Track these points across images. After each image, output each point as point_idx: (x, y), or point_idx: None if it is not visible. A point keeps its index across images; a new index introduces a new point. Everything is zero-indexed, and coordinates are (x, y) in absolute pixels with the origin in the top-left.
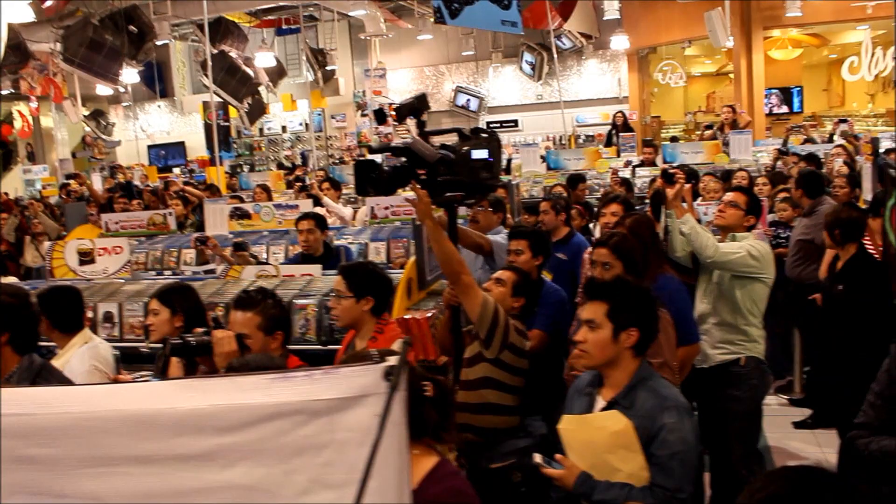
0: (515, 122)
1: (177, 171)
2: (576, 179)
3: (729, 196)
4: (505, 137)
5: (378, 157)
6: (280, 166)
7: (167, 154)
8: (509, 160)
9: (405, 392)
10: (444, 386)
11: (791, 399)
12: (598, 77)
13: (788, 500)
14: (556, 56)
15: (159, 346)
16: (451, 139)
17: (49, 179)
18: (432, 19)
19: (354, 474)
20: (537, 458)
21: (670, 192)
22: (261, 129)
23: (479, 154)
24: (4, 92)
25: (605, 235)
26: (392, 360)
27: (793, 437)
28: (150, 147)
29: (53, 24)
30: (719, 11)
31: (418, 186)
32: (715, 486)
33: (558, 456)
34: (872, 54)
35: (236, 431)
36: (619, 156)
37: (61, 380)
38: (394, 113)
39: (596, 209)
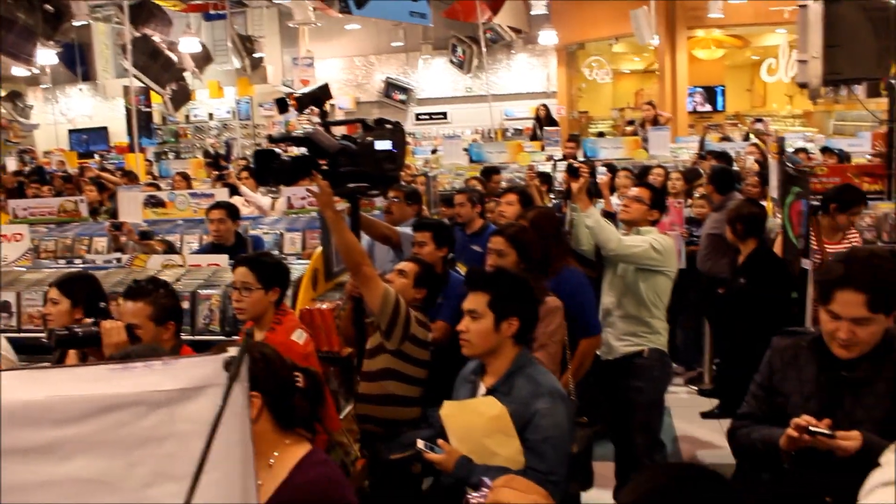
0: (444, 114)
1: (98, 156)
2: (489, 171)
3: (634, 191)
4: (434, 129)
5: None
6: (206, 154)
7: (89, 139)
8: (434, 150)
9: (246, 383)
10: (315, 377)
11: (700, 390)
12: (528, 71)
13: (667, 494)
14: (484, 49)
15: None
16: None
17: None
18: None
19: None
20: (420, 443)
21: (575, 186)
22: (187, 116)
23: (383, 145)
24: None
25: (503, 225)
26: (232, 351)
27: (701, 426)
28: (71, 132)
29: None
30: (645, 10)
31: (319, 177)
32: (620, 475)
33: (440, 441)
34: (789, 57)
35: (75, 423)
36: (543, 150)
37: None
38: (294, 102)
39: None
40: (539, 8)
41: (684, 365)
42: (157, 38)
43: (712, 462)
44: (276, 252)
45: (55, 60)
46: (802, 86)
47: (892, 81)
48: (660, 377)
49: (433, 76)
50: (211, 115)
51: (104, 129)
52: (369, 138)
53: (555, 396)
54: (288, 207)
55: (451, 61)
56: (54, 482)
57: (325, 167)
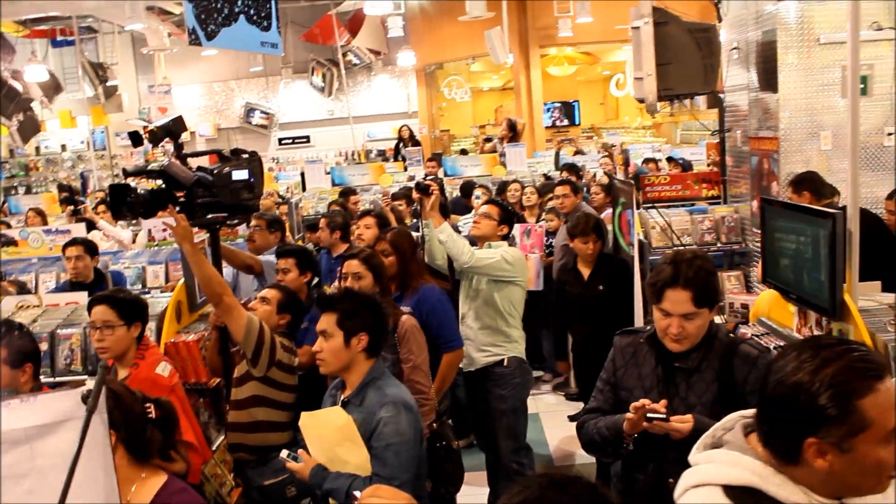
0: (307, 137)
1: None
2: (347, 193)
3: (483, 209)
4: (297, 153)
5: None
6: (60, 188)
7: None
8: (303, 174)
9: (105, 414)
10: (167, 406)
11: (567, 394)
12: (388, 92)
13: (537, 502)
14: (344, 72)
15: None
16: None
17: None
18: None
19: (58, 498)
20: (283, 454)
21: (426, 202)
22: (37, 148)
23: (240, 175)
24: None
25: (355, 249)
26: (89, 384)
27: (570, 430)
28: None
29: None
30: (498, 30)
31: (174, 209)
32: (491, 481)
33: (299, 451)
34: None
35: None
36: (405, 170)
37: None
38: (148, 135)
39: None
40: (396, 30)
41: (551, 372)
42: None
43: (583, 462)
44: (139, 286)
45: None
46: (640, 101)
47: (721, 95)
48: (521, 383)
49: (294, 100)
50: (63, 147)
51: None
52: (226, 169)
53: (398, 405)
54: (149, 240)
55: (312, 84)
56: None
57: (181, 199)
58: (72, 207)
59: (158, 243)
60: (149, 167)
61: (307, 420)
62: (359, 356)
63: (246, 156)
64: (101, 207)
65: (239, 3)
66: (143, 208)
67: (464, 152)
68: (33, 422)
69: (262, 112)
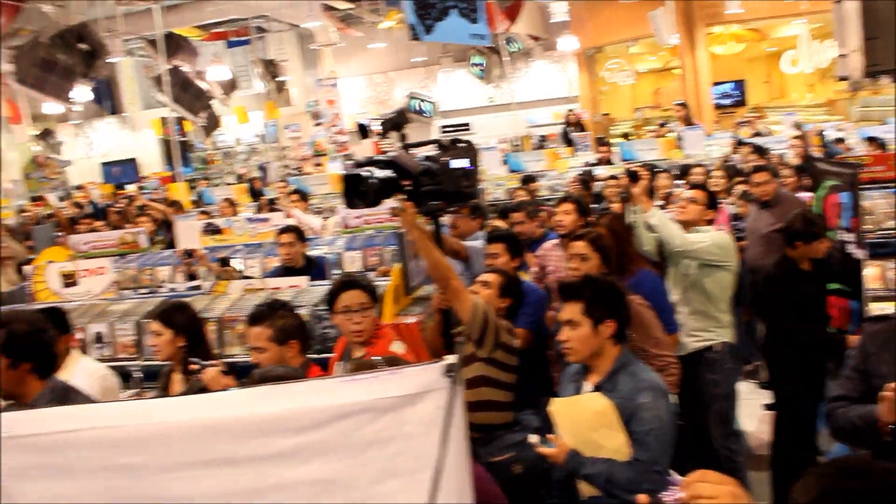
0: (467, 125)
1: (130, 188)
2: (527, 180)
3: (689, 193)
4: None
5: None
6: (240, 179)
7: (121, 171)
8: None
9: (463, 386)
10: None
11: (761, 383)
12: (548, 77)
13: (839, 492)
14: (507, 58)
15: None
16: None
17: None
18: (380, 26)
19: (420, 462)
20: (533, 438)
21: (636, 189)
22: (213, 143)
23: (460, 163)
24: None
25: (580, 230)
26: (451, 359)
27: (764, 418)
28: (103, 164)
29: (5, 46)
30: (662, 11)
31: (403, 198)
32: (697, 467)
33: (550, 436)
34: (810, 47)
35: (311, 431)
36: (574, 155)
37: (86, 398)
38: (378, 128)
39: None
40: (560, 15)
41: (741, 359)
42: (185, 68)
43: None
44: (336, 270)
45: (90, 97)
46: (843, 79)
47: None
48: (732, 369)
49: (453, 88)
50: (238, 140)
51: (133, 160)
52: (446, 158)
53: (656, 391)
54: (344, 227)
55: (471, 72)
56: (296, 483)
57: (407, 187)
58: (268, 198)
59: (352, 230)
60: (376, 158)
61: (559, 406)
62: (607, 342)
63: (463, 145)
64: (294, 196)
65: None
66: (372, 197)
67: (626, 136)
68: (399, 392)
69: (424, 101)
